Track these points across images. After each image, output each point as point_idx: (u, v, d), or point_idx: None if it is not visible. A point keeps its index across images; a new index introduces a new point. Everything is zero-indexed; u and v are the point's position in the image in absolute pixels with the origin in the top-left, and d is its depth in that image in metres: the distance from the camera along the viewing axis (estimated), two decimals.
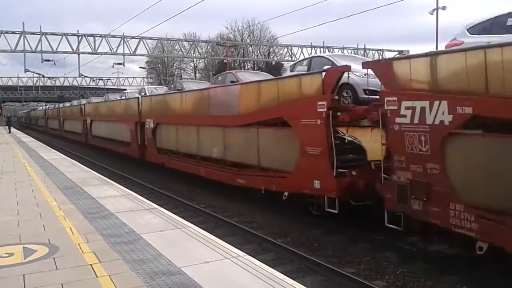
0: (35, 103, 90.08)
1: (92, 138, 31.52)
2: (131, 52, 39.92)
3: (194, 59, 70.78)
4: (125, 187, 11.68)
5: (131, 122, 22.26)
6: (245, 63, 67.63)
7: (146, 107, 20.87)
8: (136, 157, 21.77)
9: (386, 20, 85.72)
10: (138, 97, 22.21)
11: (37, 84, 74.99)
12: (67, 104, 48.01)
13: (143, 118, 20.79)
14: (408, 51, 47.88)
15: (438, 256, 7.77)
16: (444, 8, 33.52)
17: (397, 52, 48.11)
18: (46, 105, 66.51)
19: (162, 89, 26.34)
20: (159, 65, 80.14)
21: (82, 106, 35.09)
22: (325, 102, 9.53)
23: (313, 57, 14.49)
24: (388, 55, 46.81)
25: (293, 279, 5.06)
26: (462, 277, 7.12)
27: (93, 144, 31.26)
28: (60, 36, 37.15)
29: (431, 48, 32.53)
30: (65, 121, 43.70)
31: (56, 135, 47.14)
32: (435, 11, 33.10)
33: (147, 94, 23.85)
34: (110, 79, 71.87)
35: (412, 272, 7.50)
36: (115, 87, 71.12)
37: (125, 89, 49.89)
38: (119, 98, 28.78)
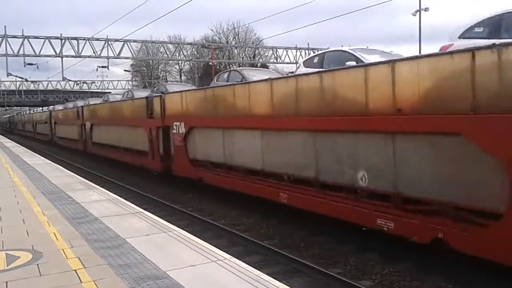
0: (18, 107, 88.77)
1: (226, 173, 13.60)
2: (115, 55, 39.61)
3: (179, 62, 70.56)
4: (110, 191, 11.58)
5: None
6: (231, 65, 67.64)
7: None
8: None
9: (371, 21, 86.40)
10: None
11: (20, 88, 74.05)
12: (92, 100, 33.48)
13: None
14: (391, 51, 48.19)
15: (423, 257, 7.84)
16: (427, 9, 33.92)
17: None
18: (45, 106, 58.03)
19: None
20: (144, 68, 79.79)
21: (151, 100, 18.33)
22: None
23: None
24: None
25: (280, 281, 5.06)
26: (447, 277, 7.20)
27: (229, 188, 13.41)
28: (43, 40, 36.72)
29: (414, 49, 32.91)
30: (95, 128, 27.16)
31: (72, 148, 32.69)
32: (418, 13, 33.46)
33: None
34: (94, 83, 71.23)
35: (398, 272, 7.57)
36: (100, 90, 70.57)
37: (110, 92, 49.36)
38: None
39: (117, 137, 22.82)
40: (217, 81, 16.43)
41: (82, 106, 30.49)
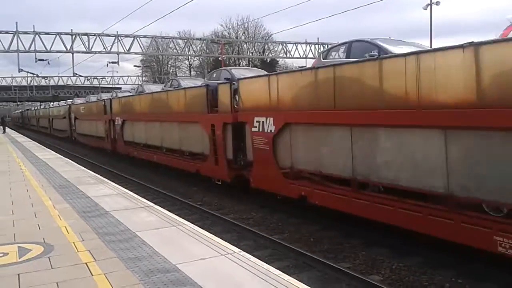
0: (30, 102, 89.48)
1: None
2: (126, 51, 39.71)
3: (189, 57, 70.70)
4: (120, 185, 11.67)
5: None
6: (240, 61, 67.62)
7: None
8: None
9: (381, 15, 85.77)
10: None
11: (31, 84, 74.70)
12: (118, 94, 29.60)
13: None
14: None
15: (433, 252, 7.80)
16: (438, 3, 33.61)
17: None
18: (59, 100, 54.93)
19: None
20: (154, 64, 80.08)
21: (214, 89, 14.54)
22: None
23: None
24: None
25: (289, 275, 5.07)
26: (456, 271, 7.16)
27: None
28: (54, 36, 36.88)
29: (425, 43, 32.62)
30: (128, 125, 22.95)
31: (96, 147, 28.87)
32: (429, 6, 33.18)
33: None
34: (104, 78, 71.69)
35: (407, 267, 7.53)
36: (110, 86, 70.98)
37: (120, 88, 49.37)
38: None
39: (159, 136, 18.84)
40: (324, 59, 12.07)
41: (110, 99, 26.07)
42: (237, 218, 11.23)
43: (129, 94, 26.83)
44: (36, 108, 69.84)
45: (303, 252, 8.28)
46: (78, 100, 39.75)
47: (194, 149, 15.85)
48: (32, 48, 36.39)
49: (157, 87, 23.60)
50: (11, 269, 5.16)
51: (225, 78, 14.89)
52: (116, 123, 24.13)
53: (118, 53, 39.78)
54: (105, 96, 31.49)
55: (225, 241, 6.26)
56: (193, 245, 5.93)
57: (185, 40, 47.57)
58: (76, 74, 52.65)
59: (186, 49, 46.63)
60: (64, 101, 48.57)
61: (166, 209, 8.55)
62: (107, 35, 38.90)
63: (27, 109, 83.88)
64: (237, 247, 5.99)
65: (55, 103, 54.18)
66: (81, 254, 5.65)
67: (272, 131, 11.16)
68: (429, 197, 7.59)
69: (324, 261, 7.78)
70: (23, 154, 20.23)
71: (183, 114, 16.35)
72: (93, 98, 35.52)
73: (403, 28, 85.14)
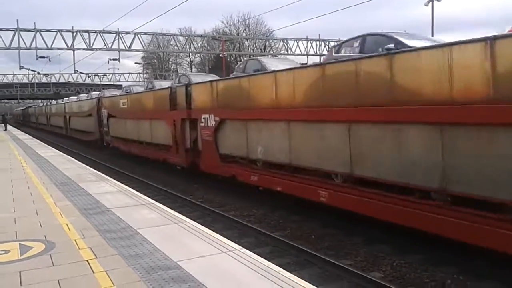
0: (31, 100, 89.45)
1: None
2: (126, 48, 39.69)
3: (190, 54, 70.63)
4: (122, 183, 11.68)
5: None
6: (241, 57, 67.55)
7: None
8: None
9: (383, 12, 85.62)
10: None
11: (33, 81, 74.73)
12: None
13: None
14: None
15: (434, 249, 7.79)
16: None
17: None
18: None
19: None
20: (155, 61, 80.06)
21: None
22: None
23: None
24: None
25: (290, 272, 5.06)
26: (458, 268, 7.15)
27: None
28: (55, 33, 36.89)
29: None
30: (231, 126, 13.37)
31: (153, 159, 19.63)
32: (430, 3, 33.05)
33: None
34: (106, 75, 71.64)
35: (408, 264, 7.53)
36: (111, 83, 70.99)
37: (121, 85, 49.08)
38: None
39: (340, 152, 9.18)
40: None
41: (185, 85, 16.48)
42: (238, 215, 11.24)
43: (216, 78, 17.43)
44: (46, 103, 61.80)
45: (304, 249, 8.28)
46: (107, 93, 30.79)
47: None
48: (33, 45, 36.41)
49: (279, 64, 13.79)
50: (12, 267, 5.17)
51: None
52: (201, 124, 15.03)
53: (119, 50, 39.76)
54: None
55: (226, 238, 6.26)
56: (194, 242, 5.93)
57: (186, 37, 47.54)
58: (77, 71, 52.54)
59: (187, 46, 46.63)
60: (86, 94, 41.50)
61: (167, 206, 8.55)
62: (108, 32, 38.89)
63: (34, 106, 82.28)
64: (238, 244, 5.99)
65: (72, 97, 46.40)
66: (82, 251, 5.66)
67: None
68: None
69: (325, 258, 7.77)
70: (24, 152, 20.25)
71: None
72: (137, 88, 25.66)
73: (404, 25, 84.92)
